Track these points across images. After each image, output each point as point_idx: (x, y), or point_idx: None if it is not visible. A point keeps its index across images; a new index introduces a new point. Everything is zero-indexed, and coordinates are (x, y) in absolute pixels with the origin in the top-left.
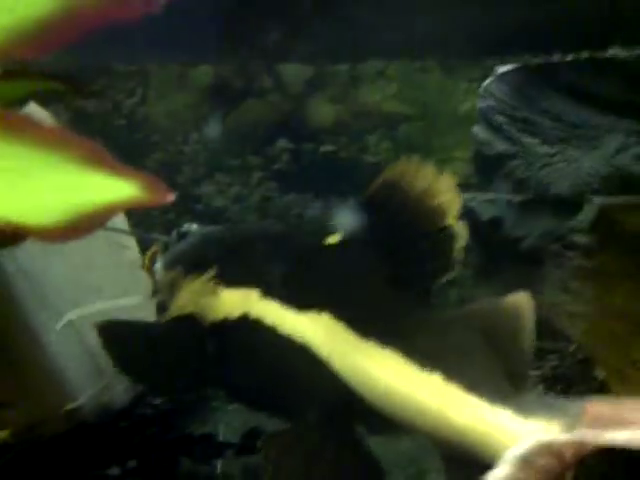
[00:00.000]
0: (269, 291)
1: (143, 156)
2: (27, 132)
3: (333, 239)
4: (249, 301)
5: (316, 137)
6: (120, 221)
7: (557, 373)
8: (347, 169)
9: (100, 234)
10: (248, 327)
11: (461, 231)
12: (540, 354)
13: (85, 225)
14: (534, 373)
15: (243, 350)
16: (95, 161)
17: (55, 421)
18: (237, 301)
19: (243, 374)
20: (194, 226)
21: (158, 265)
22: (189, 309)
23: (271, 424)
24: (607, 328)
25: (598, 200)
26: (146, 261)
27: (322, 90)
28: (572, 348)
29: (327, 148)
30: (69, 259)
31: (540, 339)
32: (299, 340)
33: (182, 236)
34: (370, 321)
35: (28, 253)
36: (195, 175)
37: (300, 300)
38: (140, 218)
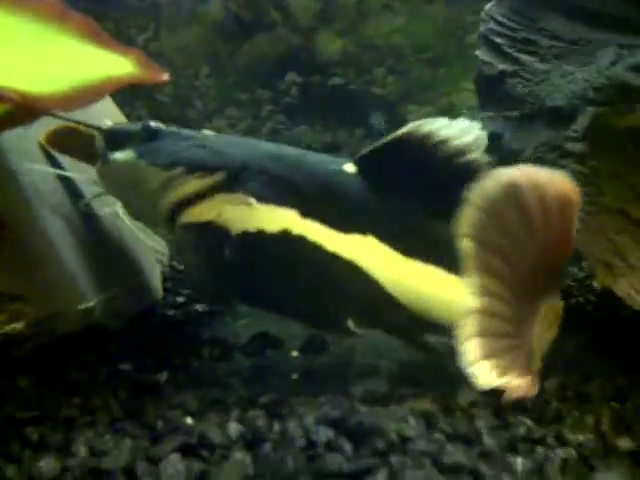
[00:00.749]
0: (308, 212)
1: (155, 91)
2: (28, 5)
3: (349, 168)
4: (289, 219)
5: (324, 70)
6: None
7: None
8: (355, 101)
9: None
10: (289, 242)
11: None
12: None
13: (85, 96)
14: None
15: (281, 262)
16: (93, 36)
17: (68, 317)
18: (275, 217)
19: (279, 283)
20: (160, 124)
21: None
22: (209, 217)
23: (275, 330)
24: (597, 225)
25: (591, 109)
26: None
27: (330, 23)
28: None
29: (335, 81)
30: (83, 172)
31: None
32: (346, 257)
33: (151, 132)
34: (408, 242)
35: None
36: (206, 109)
37: (342, 224)
38: None
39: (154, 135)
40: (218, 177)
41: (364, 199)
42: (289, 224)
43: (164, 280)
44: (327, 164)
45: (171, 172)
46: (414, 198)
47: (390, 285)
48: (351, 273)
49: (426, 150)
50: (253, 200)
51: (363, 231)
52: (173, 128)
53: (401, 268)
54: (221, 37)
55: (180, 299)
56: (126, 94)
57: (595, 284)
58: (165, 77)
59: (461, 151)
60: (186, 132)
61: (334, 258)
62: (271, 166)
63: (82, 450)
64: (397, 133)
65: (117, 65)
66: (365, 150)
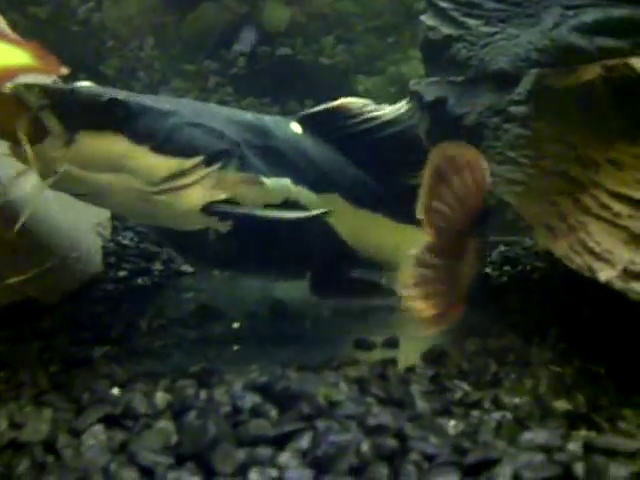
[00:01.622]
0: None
1: (99, 62)
2: None
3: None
4: (287, 188)
5: (272, 40)
6: None
7: None
8: (304, 72)
9: None
10: (288, 209)
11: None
12: None
13: None
14: None
15: (285, 227)
16: None
17: None
18: (278, 189)
19: (280, 247)
20: (89, 83)
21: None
22: (225, 196)
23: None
24: (538, 188)
25: (535, 72)
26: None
27: None
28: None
29: (283, 51)
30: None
31: None
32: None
33: (76, 94)
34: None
35: None
36: (152, 81)
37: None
38: None
39: (127, 109)
40: (228, 161)
41: (318, 157)
42: (287, 193)
43: (107, 255)
44: (284, 127)
45: (190, 161)
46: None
47: (345, 233)
48: (318, 225)
49: (358, 120)
50: (264, 179)
51: (325, 188)
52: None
53: (355, 217)
54: (166, 7)
55: (122, 273)
56: (71, 67)
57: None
58: (64, 71)
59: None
60: (151, 101)
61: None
62: (249, 137)
63: (2, 423)
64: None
65: (13, 56)
66: (308, 111)
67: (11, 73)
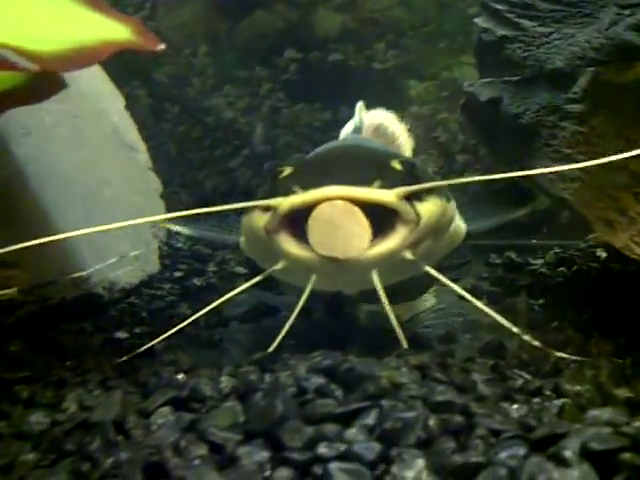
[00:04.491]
0: None
1: (153, 69)
2: None
3: None
4: None
5: (324, 46)
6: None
7: None
8: (355, 77)
9: (110, 134)
10: None
11: None
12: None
13: (83, 57)
14: None
15: None
16: (93, 1)
17: (61, 285)
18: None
19: None
20: None
21: None
22: None
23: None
24: (597, 185)
25: (591, 70)
26: None
27: None
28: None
29: (335, 57)
30: (79, 151)
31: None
32: None
33: None
34: None
35: (38, 140)
36: (205, 87)
37: None
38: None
39: None
40: None
41: None
42: None
43: (162, 257)
44: None
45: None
46: None
47: None
48: None
49: None
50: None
51: None
52: None
53: None
54: (219, 14)
55: (178, 274)
56: (124, 74)
57: (598, 253)
58: (161, 46)
59: None
60: None
61: None
62: None
63: (72, 406)
64: None
65: (115, 31)
66: None
67: (113, 47)
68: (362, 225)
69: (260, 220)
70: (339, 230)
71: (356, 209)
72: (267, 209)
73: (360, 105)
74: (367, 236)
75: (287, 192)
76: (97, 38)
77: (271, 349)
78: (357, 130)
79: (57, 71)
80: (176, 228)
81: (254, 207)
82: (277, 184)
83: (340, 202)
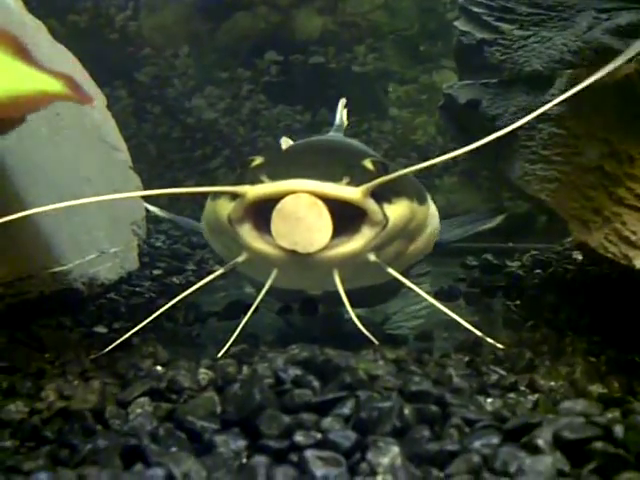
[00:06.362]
0: None
1: (135, 70)
2: None
3: None
4: None
5: (304, 49)
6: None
7: None
8: (335, 80)
9: (92, 133)
10: None
11: None
12: None
13: (16, 106)
14: None
15: None
16: (23, 55)
17: (41, 279)
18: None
19: None
20: None
21: None
22: None
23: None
24: (573, 185)
25: (569, 72)
26: None
27: (310, 1)
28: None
29: (315, 59)
30: (60, 148)
31: None
32: None
33: None
34: None
35: (18, 135)
36: (186, 88)
37: None
38: None
39: None
40: None
41: None
42: None
43: (141, 254)
44: None
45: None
46: None
47: None
48: None
49: None
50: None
51: None
52: None
53: None
54: (201, 16)
55: (157, 272)
56: (106, 73)
57: (574, 255)
58: (93, 103)
59: None
60: None
61: None
62: None
63: (51, 395)
64: None
65: (48, 84)
66: None
67: (48, 99)
68: (325, 220)
69: (224, 208)
70: (301, 223)
71: (320, 203)
72: (233, 197)
73: (342, 103)
74: (328, 232)
75: (255, 181)
76: (32, 89)
77: (221, 353)
78: (338, 128)
79: None
80: (152, 208)
81: (220, 194)
82: (246, 173)
83: (305, 195)
